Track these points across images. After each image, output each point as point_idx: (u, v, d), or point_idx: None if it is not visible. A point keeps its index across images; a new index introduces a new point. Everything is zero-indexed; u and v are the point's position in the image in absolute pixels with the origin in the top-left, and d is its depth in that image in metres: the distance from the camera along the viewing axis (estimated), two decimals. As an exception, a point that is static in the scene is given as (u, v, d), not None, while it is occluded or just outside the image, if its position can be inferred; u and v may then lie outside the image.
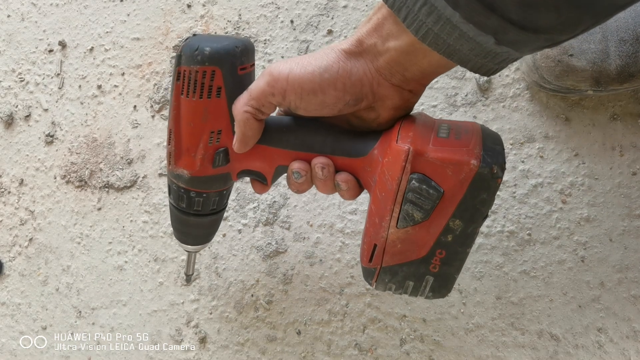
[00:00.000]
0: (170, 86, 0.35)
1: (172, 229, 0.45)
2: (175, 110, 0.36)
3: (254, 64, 0.37)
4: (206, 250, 0.56)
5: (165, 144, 0.60)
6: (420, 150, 0.30)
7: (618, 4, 0.23)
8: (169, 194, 0.41)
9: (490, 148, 0.30)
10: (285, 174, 0.38)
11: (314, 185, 0.37)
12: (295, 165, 0.35)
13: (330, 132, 0.35)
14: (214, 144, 0.36)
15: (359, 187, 0.36)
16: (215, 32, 0.60)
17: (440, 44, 0.27)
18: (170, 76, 0.60)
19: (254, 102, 0.33)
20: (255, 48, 0.59)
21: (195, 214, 0.40)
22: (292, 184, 0.37)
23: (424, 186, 0.30)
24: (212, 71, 0.33)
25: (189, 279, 0.54)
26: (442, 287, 0.34)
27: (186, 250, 0.46)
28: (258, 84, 0.33)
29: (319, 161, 0.35)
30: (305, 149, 0.35)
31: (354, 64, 0.31)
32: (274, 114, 0.38)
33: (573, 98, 0.50)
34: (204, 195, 0.39)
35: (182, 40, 0.31)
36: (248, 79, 0.35)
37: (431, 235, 0.32)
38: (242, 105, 0.34)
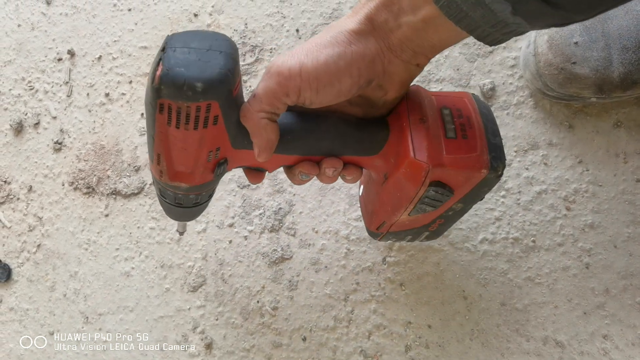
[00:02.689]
0: (145, 112, 0.32)
1: (165, 212, 0.43)
2: (162, 138, 0.31)
3: (240, 74, 0.33)
4: (212, 256, 0.57)
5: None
6: (437, 163, 0.32)
7: None
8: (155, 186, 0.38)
9: (493, 145, 0.33)
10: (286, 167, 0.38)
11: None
12: (305, 168, 0.35)
13: (337, 134, 0.35)
14: (213, 159, 0.33)
15: (362, 172, 0.38)
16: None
17: (452, 9, 0.26)
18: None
19: (266, 107, 0.30)
20: (261, 57, 0.60)
21: (180, 206, 0.39)
22: (295, 180, 0.37)
23: (440, 191, 0.34)
24: (207, 105, 0.29)
25: (182, 234, 0.51)
26: (434, 236, 0.43)
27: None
28: (268, 85, 0.30)
29: (330, 164, 0.35)
30: (313, 153, 0.36)
31: (365, 44, 0.30)
32: None
33: (576, 105, 0.50)
34: (200, 195, 0.37)
35: (158, 52, 0.29)
36: (241, 94, 0.32)
37: (436, 214, 0.38)
38: (254, 113, 0.31)
